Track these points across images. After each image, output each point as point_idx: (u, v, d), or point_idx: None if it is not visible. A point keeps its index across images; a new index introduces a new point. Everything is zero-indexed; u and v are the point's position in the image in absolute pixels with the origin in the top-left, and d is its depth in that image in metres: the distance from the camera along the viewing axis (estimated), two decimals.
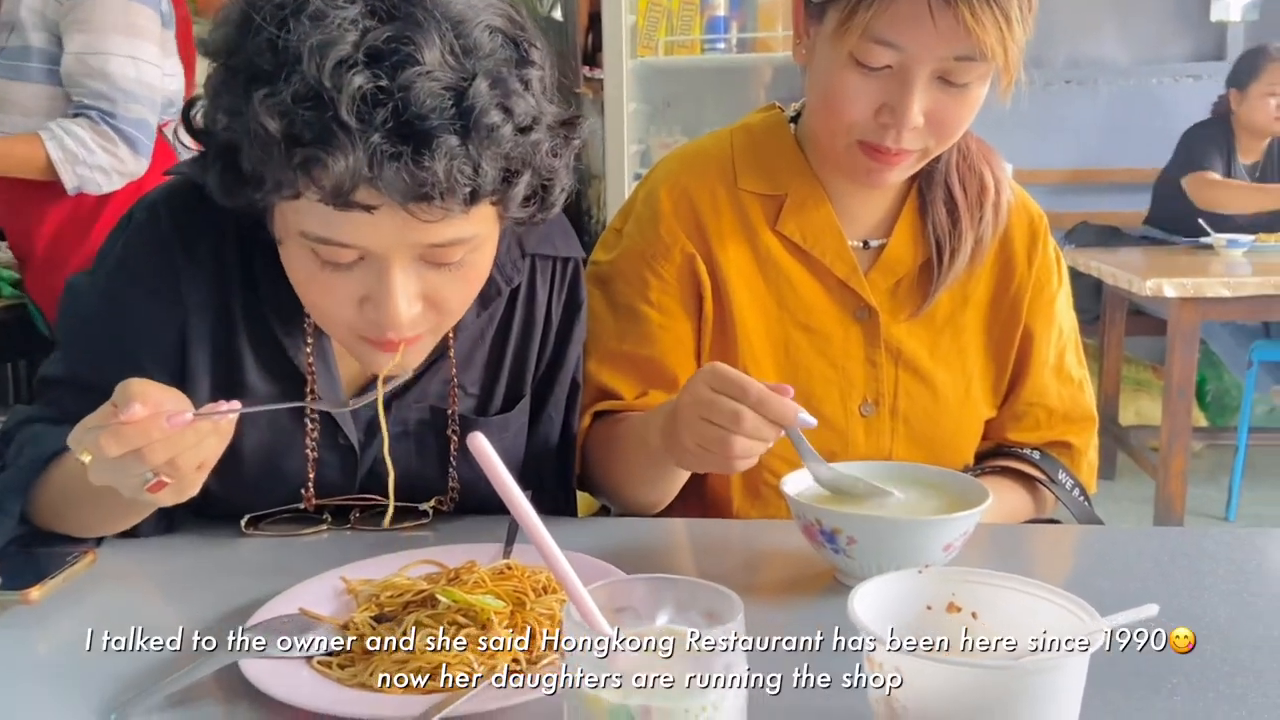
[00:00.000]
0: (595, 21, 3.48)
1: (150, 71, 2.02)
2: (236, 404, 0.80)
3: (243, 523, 1.03)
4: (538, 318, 1.09)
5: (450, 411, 1.06)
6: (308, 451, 1.03)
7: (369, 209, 0.79)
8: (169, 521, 1.03)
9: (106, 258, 1.00)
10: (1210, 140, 3.69)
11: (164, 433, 0.75)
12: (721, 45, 3.47)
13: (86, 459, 0.77)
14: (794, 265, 1.16)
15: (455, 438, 1.06)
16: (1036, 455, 1.18)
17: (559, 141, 0.89)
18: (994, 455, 1.20)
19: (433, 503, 1.07)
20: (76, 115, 1.98)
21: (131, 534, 1.01)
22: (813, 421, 0.88)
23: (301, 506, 1.05)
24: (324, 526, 1.04)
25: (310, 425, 1.03)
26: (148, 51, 2.02)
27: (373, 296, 0.85)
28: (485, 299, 1.05)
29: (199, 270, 0.97)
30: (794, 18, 1.11)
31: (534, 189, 0.89)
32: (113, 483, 0.79)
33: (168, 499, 0.81)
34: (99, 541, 0.99)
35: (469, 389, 1.07)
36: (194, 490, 0.82)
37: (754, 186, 1.17)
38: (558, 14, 3.86)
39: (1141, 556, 1.00)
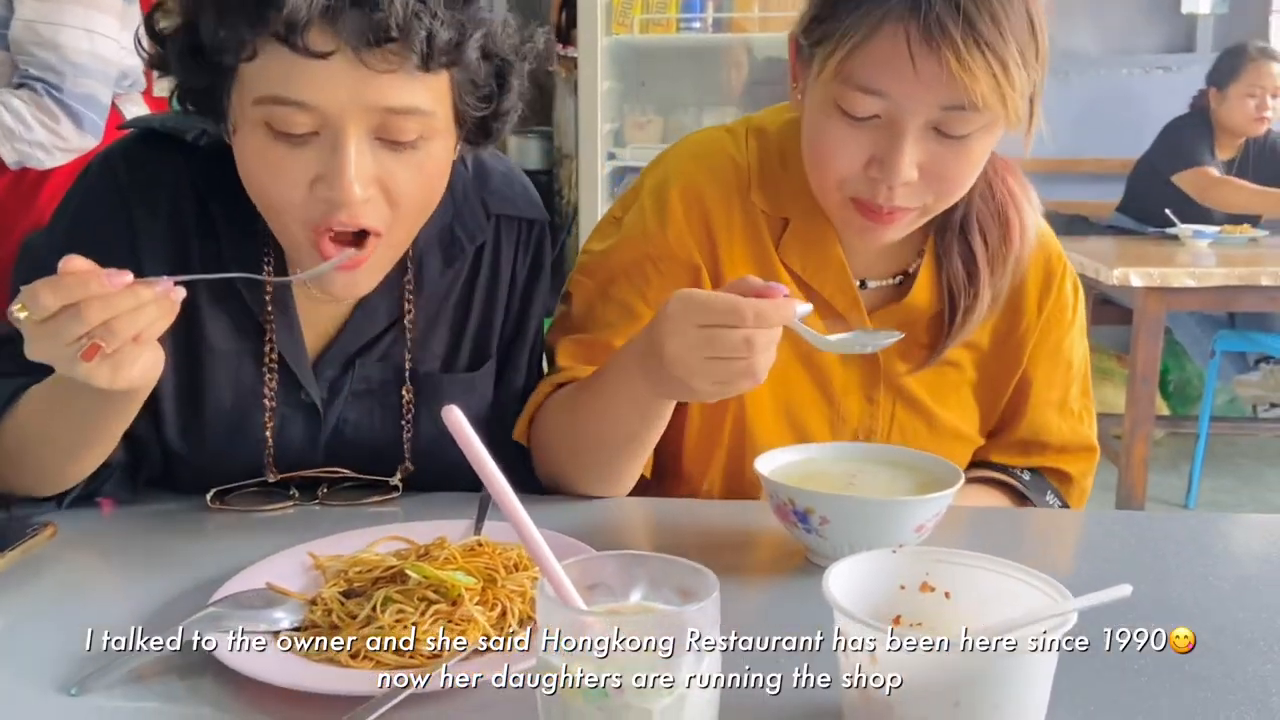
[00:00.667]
0: None
1: (105, 45, 1.97)
2: (178, 285, 0.78)
3: (208, 496, 1.01)
4: (503, 278, 1.09)
5: (408, 368, 1.05)
6: (265, 402, 1.01)
7: (324, 55, 0.80)
8: (133, 483, 1.02)
9: (63, 213, 0.99)
10: (1197, 135, 3.73)
11: (102, 288, 0.73)
12: (697, 24, 3.46)
13: (23, 315, 0.75)
14: (798, 294, 1.07)
15: (410, 395, 1.05)
16: (1026, 476, 1.16)
17: (513, 30, 0.91)
18: (981, 466, 1.17)
19: (399, 475, 1.05)
20: (20, 86, 1.92)
21: (92, 499, 0.99)
22: (809, 307, 0.87)
23: (268, 479, 1.03)
24: (290, 503, 1.03)
25: (268, 376, 1.01)
26: (105, 24, 1.96)
27: (325, 174, 0.84)
28: (450, 257, 1.05)
29: (154, 221, 0.97)
30: (790, 62, 1.04)
31: (489, 76, 0.91)
32: (49, 353, 0.77)
33: (103, 374, 0.76)
34: (60, 502, 0.98)
35: (434, 349, 1.06)
36: (131, 371, 0.78)
37: (761, 203, 1.09)
38: None
39: (1108, 540, 1.01)
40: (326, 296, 0.97)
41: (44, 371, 0.86)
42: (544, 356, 1.14)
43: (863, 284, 1.10)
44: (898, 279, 1.11)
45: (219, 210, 0.97)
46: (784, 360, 1.08)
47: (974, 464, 1.18)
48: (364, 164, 0.84)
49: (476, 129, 0.94)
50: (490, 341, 1.09)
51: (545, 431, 1.08)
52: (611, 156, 3.64)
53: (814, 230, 1.08)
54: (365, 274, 0.92)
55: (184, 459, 1.02)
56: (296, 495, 1.03)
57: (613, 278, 1.10)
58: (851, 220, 1.01)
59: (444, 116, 0.89)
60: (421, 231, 0.97)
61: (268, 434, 1.02)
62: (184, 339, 0.97)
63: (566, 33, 3.90)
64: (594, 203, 3.60)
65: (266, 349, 1.00)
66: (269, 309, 0.99)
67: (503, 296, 1.09)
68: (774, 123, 1.13)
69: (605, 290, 1.10)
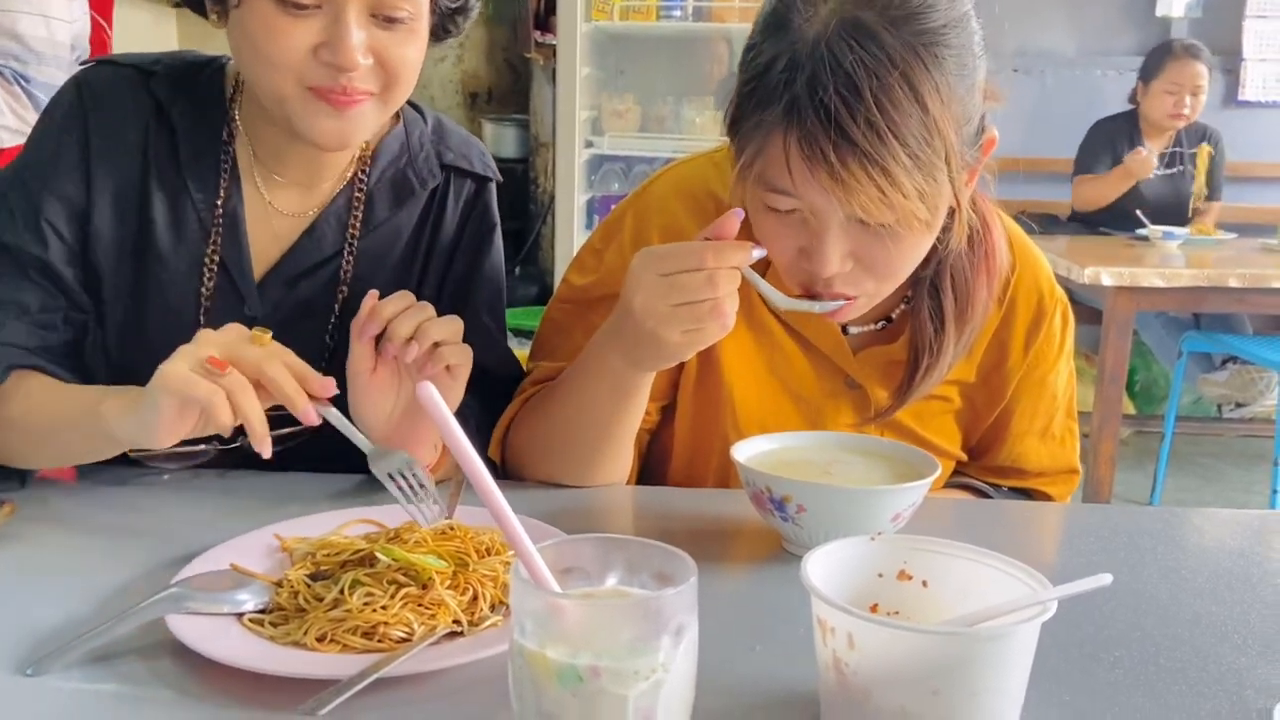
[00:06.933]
0: None
1: (60, 30, 1.93)
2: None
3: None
4: (445, 231, 1.13)
5: (343, 295, 1.08)
6: (203, 303, 1.04)
7: None
8: None
9: (35, 128, 1.07)
10: (1106, 137, 3.82)
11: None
12: (677, 13, 3.44)
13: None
14: (783, 334, 1.08)
15: (337, 316, 1.08)
16: (1004, 490, 1.16)
17: None
18: (958, 474, 1.18)
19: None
20: None
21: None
22: (763, 251, 0.89)
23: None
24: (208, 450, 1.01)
25: (207, 279, 1.04)
26: (57, 7, 1.93)
27: (329, 42, 0.93)
28: (400, 198, 1.10)
29: (108, 137, 1.02)
30: None
31: None
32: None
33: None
34: (23, 480, 0.97)
35: (377, 285, 1.07)
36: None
37: None
38: None
39: (1083, 533, 1.01)
40: (309, 144, 0.98)
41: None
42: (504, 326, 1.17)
43: (845, 329, 1.09)
44: (880, 324, 1.10)
45: (180, 118, 1.03)
46: (772, 394, 1.09)
47: (954, 474, 1.18)
48: (362, 36, 0.93)
49: (441, 22, 1.02)
50: (427, 287, 1.12)
51: (517, 437, 1.07)
52: (589, 145, 3.62)
53: None
54: (353, 123, 0.97)
55: (122, 371, 1.00)
56: (212, 448, 1.02)
57: (593, 310, 1.08)
58: (804, 301, 0.97)
59: (424, 11, 0.97)
60: (375, 172, 1.06)
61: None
62: (134, 239, 1.03)
63: (545, 19, 3.87)
64: (570, 191, 3.58)
65: (209, 252, 1.04)
66: (218, 219, 1.04)
67: (445, 250, 1.13)
68: None
69: (585, 321, 1.08)
